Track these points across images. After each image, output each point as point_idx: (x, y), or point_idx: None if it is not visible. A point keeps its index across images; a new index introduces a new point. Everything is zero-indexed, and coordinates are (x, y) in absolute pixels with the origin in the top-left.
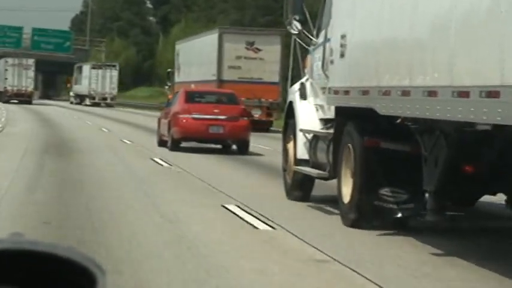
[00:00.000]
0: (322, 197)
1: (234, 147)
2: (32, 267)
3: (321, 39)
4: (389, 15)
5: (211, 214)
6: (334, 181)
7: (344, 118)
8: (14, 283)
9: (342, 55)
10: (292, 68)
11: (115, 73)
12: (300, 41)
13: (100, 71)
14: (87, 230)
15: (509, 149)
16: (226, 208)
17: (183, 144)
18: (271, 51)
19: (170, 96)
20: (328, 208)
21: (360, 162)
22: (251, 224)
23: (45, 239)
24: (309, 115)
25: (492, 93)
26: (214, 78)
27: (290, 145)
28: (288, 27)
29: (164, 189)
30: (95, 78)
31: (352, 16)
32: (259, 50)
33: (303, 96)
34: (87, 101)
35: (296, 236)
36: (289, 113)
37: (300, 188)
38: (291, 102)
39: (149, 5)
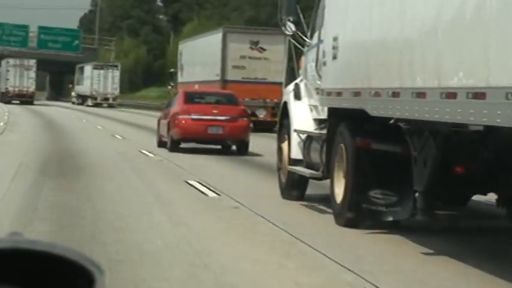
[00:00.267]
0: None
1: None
2: (31, 266)
3: (314, 40)
4: (379, 17)
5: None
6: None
7: (337, 119)
8: (13, 283)
9: (334, 57)
10: (292, 68)
11: (117, 73)
12: (294, 41)
13: (102, 72)
14: None
15: (499, 149)
16: None
17: (183, 145)
18: (276, 50)
19: None
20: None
21: (351, 163)
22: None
23: None
24: (303, 116)
25: (478, 95)
26: (218, 78)
27: (284, 145)
28: (282, 28)
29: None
30: (96, 78)
31: (344, 18)
32: (263, 49)
33: (297, 96)
34: (89, 102)
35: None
36: (284, 113)
37: (294, 188)
38: (285, 103)
39: (160, 3)
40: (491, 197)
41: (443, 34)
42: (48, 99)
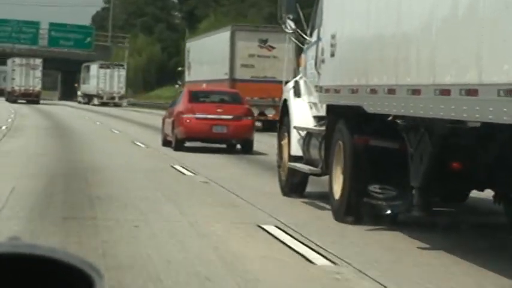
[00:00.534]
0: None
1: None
2: (30, 271)
3: (314, 38)
4: (375, 15)
5: None
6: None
7: (335, 116)
8: (13, 287)
9: (333, 54)
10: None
11: (123, 72)
12: (294, 39)
13: (108, 71)
14: None
15: (495, 146)
16: None
17: (187, 144)
18: (285, 49)
19: None
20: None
21: (349, 159)
22: None
23: None
24: (303, 113)
25: (471, 92)
26: (227, 77)
27: (284, 142)
28: (282, 26)
29: None
30: (102, 77)
31: (342, 16)
32: (272, 48)
33: (297, 94)
34: (95, 101)
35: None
36: (284, 110)
37: (294, 184)
38: (285, 100)
39: None
40: (489, 193)
41: (437, 32)
42: (60, 99)
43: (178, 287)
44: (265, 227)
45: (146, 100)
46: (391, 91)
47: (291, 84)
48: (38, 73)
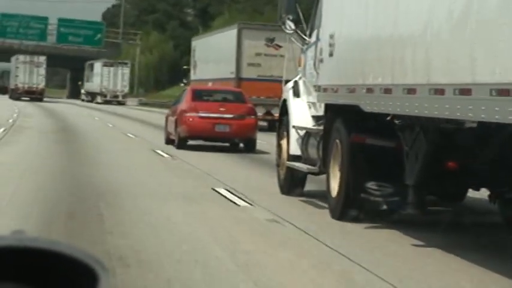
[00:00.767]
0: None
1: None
2: (34, 264)
3: (313, 38)
4: (373, 16)
5: None
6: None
7: (333, 115)
8: (16, 280)
9: (331, 54)
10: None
11: (126, 71)
12: (294, 40)
13: (112, 69)
14: None
15: (490, 145)
16: None
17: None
18: (286, 48)
19: None
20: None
21: (347, 157)
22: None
23: None
24: (302, 112)
25: (464, 91)
26: (233, 76)
27: (283, 141)
28: (282, 26)
29: None
30: (106, 75)
31: (340, 16)
32: (280, 46)
33: (296, 93)
34: (99, 99)
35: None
36: (283, 110)
37: (292, 183)
38: (284, 100)
39: None
40: (485, 192)
41: (432, 33)
42: (69, 97)
43: None
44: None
45: (157, 99)
46: (388, 90)
47: (290, 84)
48: (42, 71)
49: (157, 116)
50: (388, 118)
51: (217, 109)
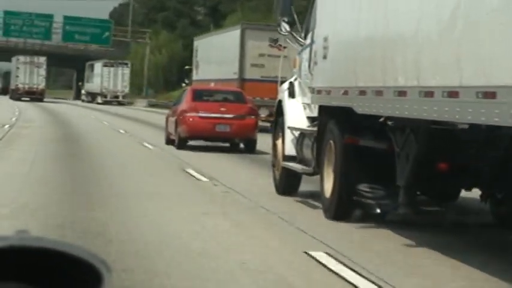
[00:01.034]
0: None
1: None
2: (38, 264)
3: (308, 40)
4: (365, 19)
5: None
6: None
7: (327, 116)
8: (20, 280)
9: (325, 56)
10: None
11: (127, 71)
12: (289, 41)
13: (112, 69)
14: None
15: (482, 146)
16: None
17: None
18: (290, 49)
19: None
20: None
21: (340, 159)
22: None
23: None
24: (297, 113)
25: (452, 94)
26: (236, 76)
27: (279, 142)
28: (277, 28)
29: None
30: (106, 76)
31: (334, 19)
32: (284, 47)
33: (292, 95)
34: (99, 99)
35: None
36: (279, 111)
37: (287, 183)
38: (280, 101)
39: None
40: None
41: (422, 37)
42: (75, 98)
43: None
44: None
45: (167, 100)
46: (379, 93)
47: (285, 85)
48: (42, 71)
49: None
50: (381, 120)
51: (218, 109)
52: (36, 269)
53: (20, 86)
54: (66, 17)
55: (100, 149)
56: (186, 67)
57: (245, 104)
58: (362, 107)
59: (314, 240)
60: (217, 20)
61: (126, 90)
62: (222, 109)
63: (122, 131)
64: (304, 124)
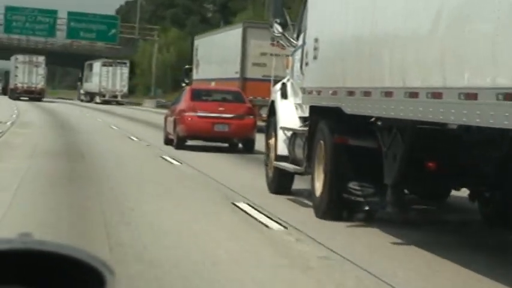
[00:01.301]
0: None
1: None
2: (41, 267)
3: (300, 41)
4: (353, 21)
5: None
6: None
7: (317, 116)
8: (23, 283)
9: (315, 57)
10: None
11: (125, 70)
12: (282, 42)
13: (111, 68)
14: None
15: (470, 146)
16: None
17: (189, 143)
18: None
19: None
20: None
21: (330, 158)
22: None
23: None
24: (289, 113)
25: (436, 95)
26: (237, 76)
27: (271, 142)
28: (270, 29)
29: None
30: (105, 75)
31: (323, 21)
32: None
33: (284, 95)
34: (98, 99)
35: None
36: (272, 111)
37: (280, 182)
38: (272, 101)
39: None
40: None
41: (407, 38)
42: (79, 99)
43: None
44: None
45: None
46: (367, 93)
47: (278, 86)
48: (41, 70)
49: None
50: (372, 120)
51: (216, 109)
52: (39, 272)
53: (19, 85)
54: (70, 13)
55: (114, 171)
56: (186, 66)
57: (244, 103)
58: (351, 107)
59: None
60: (227, 17)
61: (125, 89)
62: (221, 109)
63: (134, 138)
64: (296, 124)
